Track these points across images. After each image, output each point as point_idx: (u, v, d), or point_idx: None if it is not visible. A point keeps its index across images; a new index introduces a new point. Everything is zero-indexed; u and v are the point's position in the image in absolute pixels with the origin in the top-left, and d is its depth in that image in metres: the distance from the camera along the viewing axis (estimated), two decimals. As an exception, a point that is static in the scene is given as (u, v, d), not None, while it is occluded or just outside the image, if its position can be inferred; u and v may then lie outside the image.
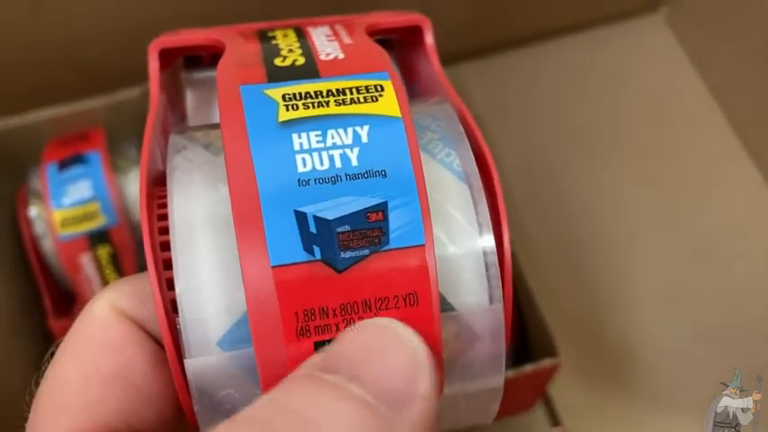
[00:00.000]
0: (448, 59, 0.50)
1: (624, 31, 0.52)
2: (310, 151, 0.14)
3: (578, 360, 0.41)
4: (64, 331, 0.42)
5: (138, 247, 0.37)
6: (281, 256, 0.13)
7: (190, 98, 0.20)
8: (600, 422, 0.40)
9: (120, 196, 0.37)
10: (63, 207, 0.36)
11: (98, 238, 0.36)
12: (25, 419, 0.16)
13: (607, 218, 0.46)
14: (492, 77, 0.50)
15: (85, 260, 0.36)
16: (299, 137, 0.14)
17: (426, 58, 0.19)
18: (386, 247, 0.13)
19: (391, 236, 0.13)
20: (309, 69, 0.15)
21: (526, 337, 0.38)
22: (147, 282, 0.15)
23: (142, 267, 0.37)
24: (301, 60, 0.15)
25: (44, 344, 0.38)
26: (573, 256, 0.45)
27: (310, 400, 0.12)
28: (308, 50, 0.16)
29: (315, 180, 0.13)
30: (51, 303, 0.38)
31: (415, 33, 0.19)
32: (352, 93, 0.14)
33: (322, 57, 0.15)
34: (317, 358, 0.13)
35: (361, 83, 0.14)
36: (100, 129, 0.39)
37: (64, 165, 0.37)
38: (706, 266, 0.44)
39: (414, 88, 0.21)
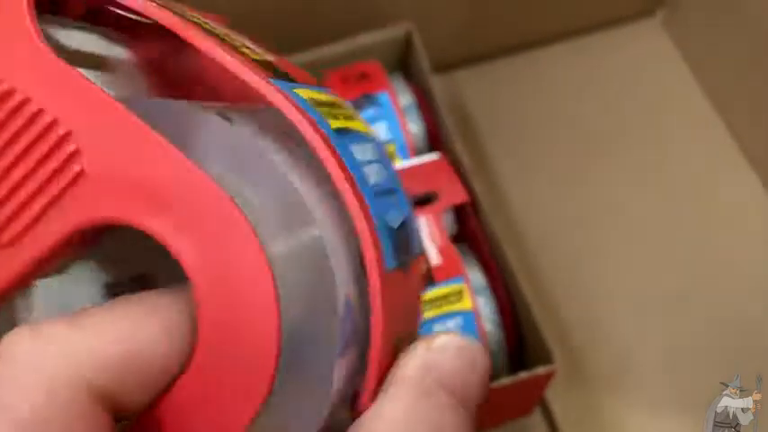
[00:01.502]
0: (443, 67, 0.50)
1: (621, 37, 0.52)
2: None
3: (576, 364, 0.41)
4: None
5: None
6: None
7: None
8: (599, 425, 0.40)
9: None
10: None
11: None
12: None
13: (604, 224, 0.46)
14: (488, 84, 0.50)
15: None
16: None
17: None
18: None
19: None
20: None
21: (522, 344, 0.38)
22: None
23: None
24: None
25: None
26: (569, 263, 0.45)
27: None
28: None
29: None
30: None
31: None
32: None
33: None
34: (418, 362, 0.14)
35: None
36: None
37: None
38: (703, 270, 0.44)
39: None
